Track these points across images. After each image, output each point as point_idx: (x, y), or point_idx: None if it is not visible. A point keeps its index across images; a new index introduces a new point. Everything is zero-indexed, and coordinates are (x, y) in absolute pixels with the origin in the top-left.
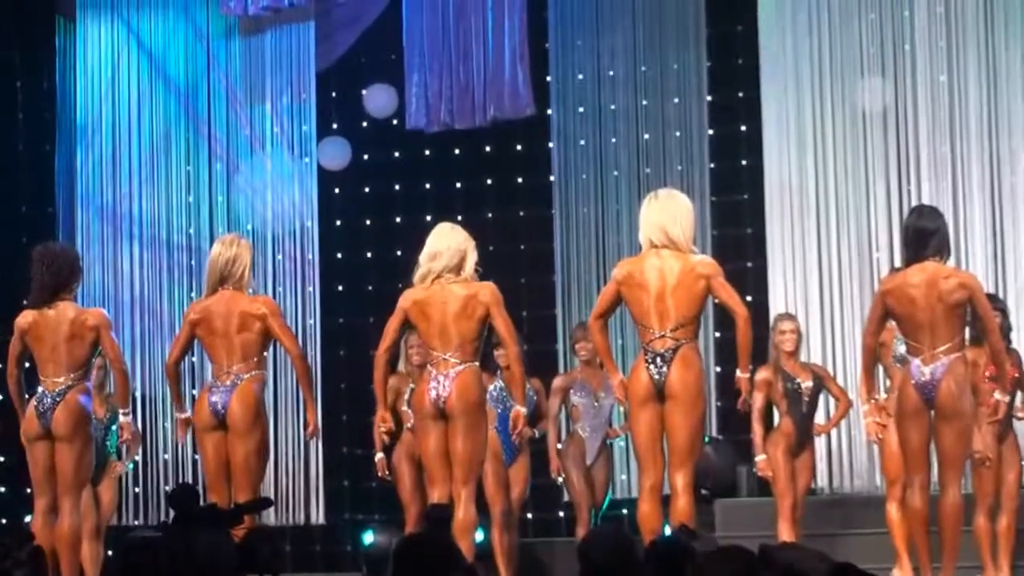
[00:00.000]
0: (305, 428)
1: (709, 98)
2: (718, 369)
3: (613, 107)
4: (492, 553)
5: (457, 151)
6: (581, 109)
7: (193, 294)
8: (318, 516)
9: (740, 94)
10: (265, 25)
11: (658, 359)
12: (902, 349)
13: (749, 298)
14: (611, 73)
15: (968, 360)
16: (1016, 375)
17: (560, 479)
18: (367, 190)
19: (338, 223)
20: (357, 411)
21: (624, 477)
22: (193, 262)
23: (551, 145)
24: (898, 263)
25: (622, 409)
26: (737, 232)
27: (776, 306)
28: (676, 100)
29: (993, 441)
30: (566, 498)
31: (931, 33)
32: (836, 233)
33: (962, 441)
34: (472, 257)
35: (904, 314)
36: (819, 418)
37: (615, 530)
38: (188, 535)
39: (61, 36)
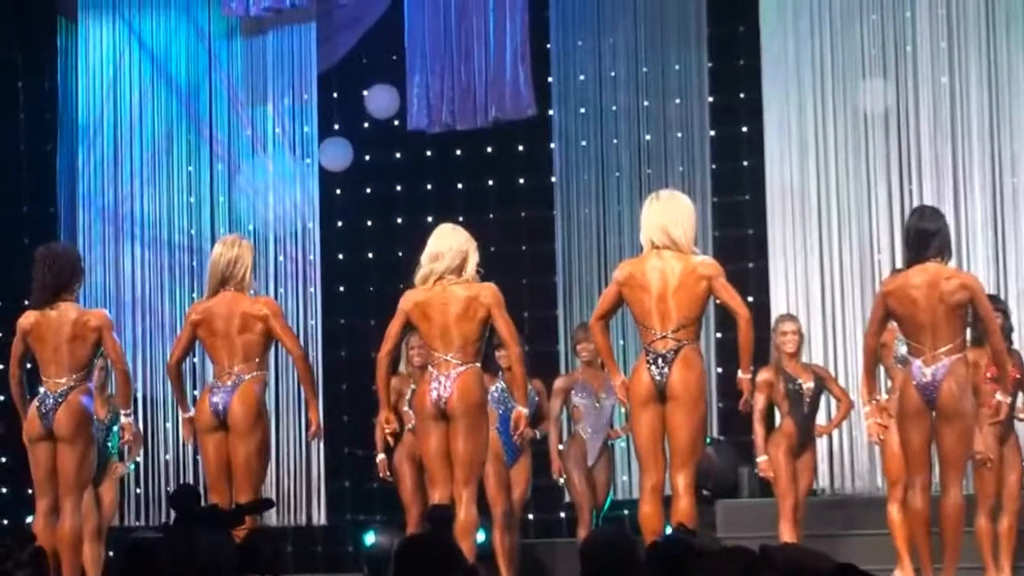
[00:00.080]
0: (307, 429)
1: (710, 99)
2: (719, 370)
3: (614, 108)
4: (493, 554)
5: (458, 152)
6: (582, 110)
7: (195, 295)
8: (319, 517)
9: (741, 95)
10: (267, 26)
11: (660, 360)
12: (903, 350)
13: (750, 299)
14: (612, 74)
15: (969, 361)
16: (1017, 376)
17: (561, 480)
18: (368, 191)
19: (339, 224)
20: (358, 412)
21: (625, 478)
22: (195, 263)
23: (552, 146)
24: (899, 264)
25: (623, 410)
26: (738, 233)
27: (777, 307)
28: (678, 101)
29: (994, 442)
30: (567, 499)
31: (933, 34)
32: (837, 234)
33: (963, 442)
34: (473, 258)
35: (905, 315)
36: (820, 419)
37: (616, 531)
38: (189, 536)
39: (63, 36)
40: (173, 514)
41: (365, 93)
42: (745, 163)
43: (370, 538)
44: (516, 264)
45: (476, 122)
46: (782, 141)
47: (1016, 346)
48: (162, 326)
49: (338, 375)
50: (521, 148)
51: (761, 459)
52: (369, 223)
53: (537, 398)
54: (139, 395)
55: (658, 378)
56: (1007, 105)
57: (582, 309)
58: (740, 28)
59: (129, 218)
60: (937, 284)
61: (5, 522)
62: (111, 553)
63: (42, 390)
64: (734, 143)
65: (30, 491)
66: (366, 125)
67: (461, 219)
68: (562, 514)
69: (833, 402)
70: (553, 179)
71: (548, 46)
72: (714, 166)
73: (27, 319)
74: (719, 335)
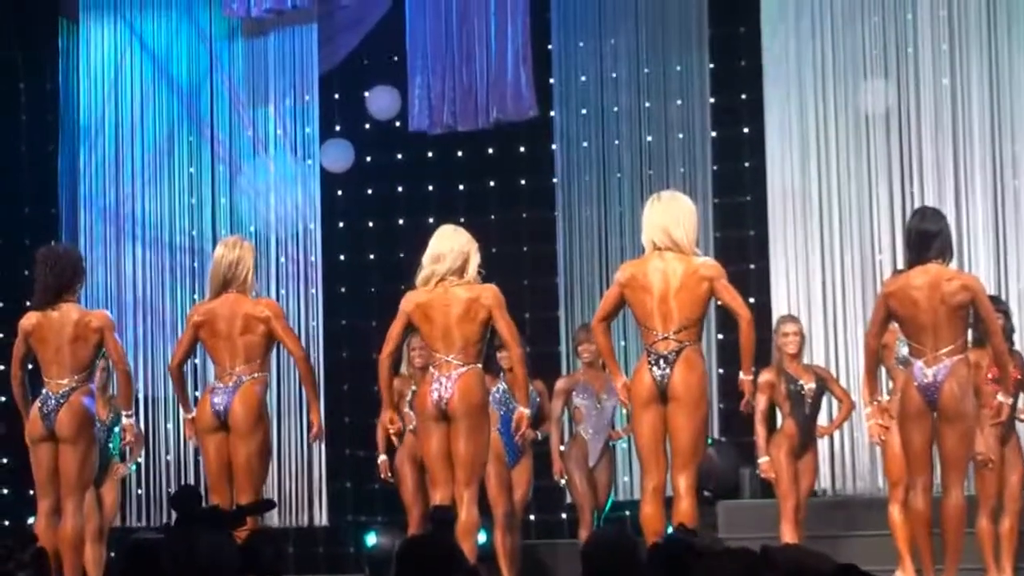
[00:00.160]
0: (309, 430)
1: (712, 100)
2: (721, 371)
3: (616, 109)
4: (494, 555)
5: (460, 153)
6: (584, 111)
7: (196, 296)
8: (321, 518)
9: (743, 96)
10: (268, 27)
11: (661, 361)
12: (905, 351)
13: (752, 300)
14: (614, 75)
15: (971, 362)
16: (1019, 377)
17: (563, 481)
18: (370, 192)
19: (341, 225)
20: (360, 413)
21: (627, 479)
22: (196, 264)
23: (554, 147)
24: (901, 265)
25: (624, 411)
26: (740, 234)
27: (779, 308)
28: (679, 102)
29: (996, 443)
30: (569, 500)
31: (934, 35)
32: (839, 235)
33: (964, 443)
34: (475, 259)
35: (907, 316)
36: (822, 420)
37: (618, 532)
38: (190, 537)
39: (64, 37)
40: (174, 515)
41: (366, 94)
42: (746, 164)
43: (371, 539)
44: (517, 265)
45: (477, 123)
46: (783, 142)
47: (1017, 347)
48: (163, 327)
49: (339, 376)
50: (522, 149)
51: (763, 460)
52: (370, 224)
53: (538, 399)
54: (140, 396)
55: (660, 379)
56: (1008, 106)
57: (583, 310)
58: (741, 29)
59: (130, 219)
60: (938, 285)
61: (7, 523)
62: (112, 554)
63: (44, 391)
64: (735, 144)
65: (32, 492)
66: (367, 126)
67: (462, 220)
68: (563, 515)
69: (834, 403)
70: (554, 180)
71: (549, 47)
72: (715, 167)
73: (29, 320)
74: (720, 336)
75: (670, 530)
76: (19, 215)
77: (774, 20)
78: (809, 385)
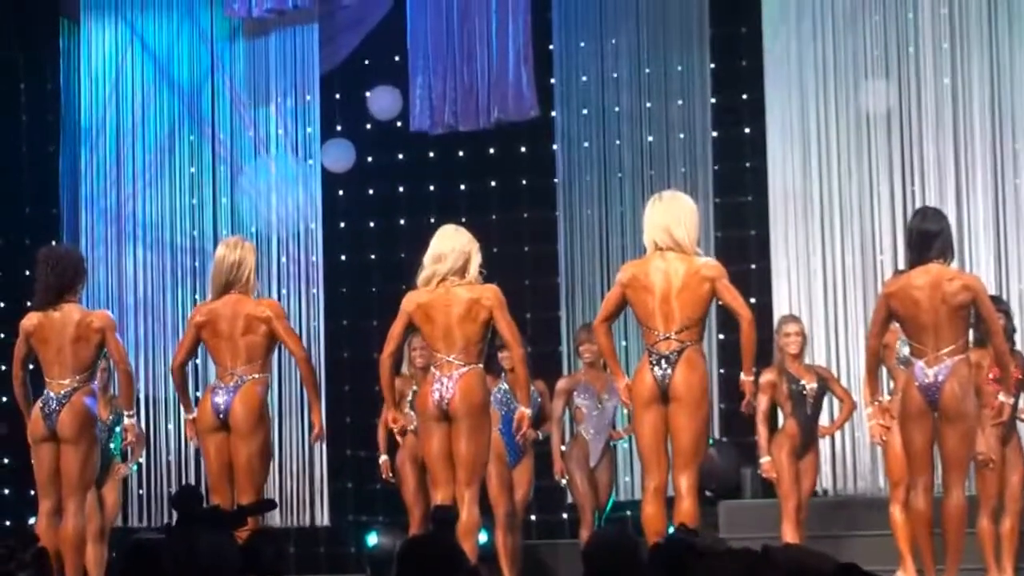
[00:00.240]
0: (311, 430)
1: (713, 100)
2: (722, 371)
3: (617, 109)
4: (496, 555)
5: (461, 153)
6: (585, 111)
7: (197, 296)
8: (322, 518)
9: (744, 96)
10: (269, 27)
11: (663, 361)
12: (906, 351)
13: (753, 300)
14: (615, 75)
15: (972, 362)
16: (1020, 377)
17: (564, 481)
18: (371, 192)
19: (342, 225)
20: (361, 413)
21: (628, 479)
22: (197, 264)
23: (555, 147)
24: (902, 265)
25: (626, 411)
26: (741, 234)
27: (780, 308)
28: (680, 102)
29: (997, 443)
30: (570, 500)
31: (935, 35)
32: (840, 235)
33: (966, 443)
34: (476, 259)
35: (908, 316)
36: (823, 420)
37: (619, 532)
38: (191, 537)
39: (65, 37)
40: (175, 515)
41: (367, 94)
42: (747, 164)
43: (372, 539)
44: (518, 265)
45: (478, 123)
46: (784, 142)
47: (1018, 347)
48: (164, 327)
49: (341, 376)
50: (524, 149)
51: (764, 460)
52: (371, 224)
53: (540, 399)
54: (141, 396)
55: (661, 379)
56: (1009, 106)
57: (584, 310)
58: (742, 29)
59: (131, 219)
60: (939, 285)
61: (8, 523)
62: (114, 554)
63: (45, 391)
64: (736, 144)
65: (33, 492)
66: (368, 126)
67: (463, 220)
68: (564, 515)
69: (836, 403)
70: (555, 180)
71: (551, 47)
72: (716, 167)
73: (30, 320)
74: (721, 336)
75: (671, 530)
76: (20, 215)
77: (775, 20)
78: (811, 385)
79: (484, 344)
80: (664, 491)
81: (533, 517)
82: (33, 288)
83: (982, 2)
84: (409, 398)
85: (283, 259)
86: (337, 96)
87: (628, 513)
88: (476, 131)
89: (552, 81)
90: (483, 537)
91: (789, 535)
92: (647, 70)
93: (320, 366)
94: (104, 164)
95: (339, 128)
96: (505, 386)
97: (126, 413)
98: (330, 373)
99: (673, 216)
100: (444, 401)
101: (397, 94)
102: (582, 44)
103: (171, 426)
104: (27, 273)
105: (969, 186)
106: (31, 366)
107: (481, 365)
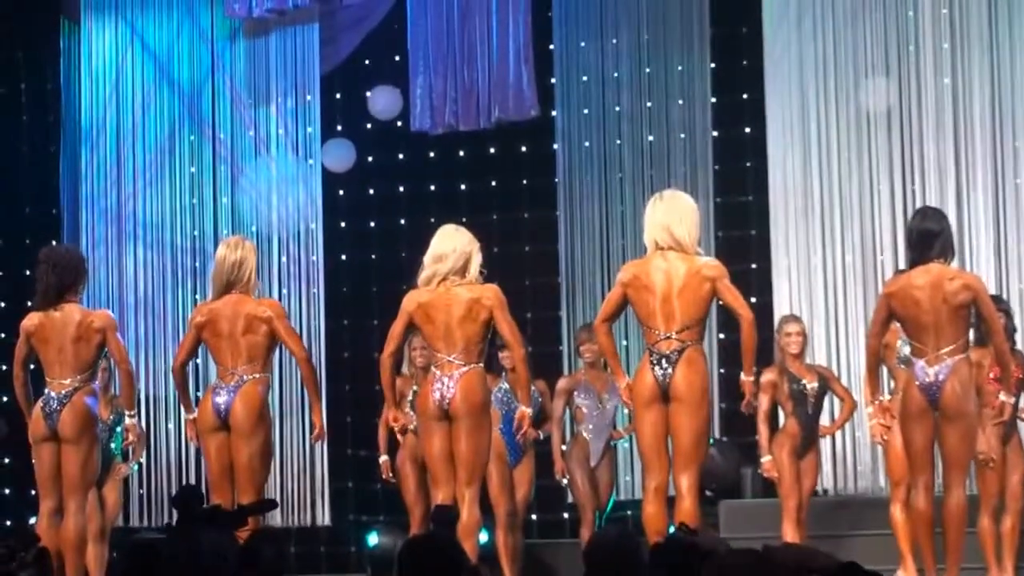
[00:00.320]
0: (311, 430)
1: (713, 100)
2: (722, 371)
3: (617, 109)
4: (496, 554)
5: (461, 153)
6: (585, 111)
7: (197, 296)
8: (323, 517)
9: (744, 96)
10: (270, 27)
11: (663, 361)
12: (906, 350)
13: (753, 300)
14: (615, 75)
15: (972, 361)
16: (1020, 376)
17: (564, 481)
18: (371, 192)
19: (342, 225)
20: (361, 413)
21: (628, 478)
22: (197, 264)
23: (555, 147)
24: (902, 265)
25: (626, 411)
26: (741, 234)
27: (781, 308)
28: (680, 102)
29: (997, 442)
30: (570, 499)
31: (935, 34)
32: (840, 235)
33: (966, 442)
34: (477, 259)
35: (908, 316)
36: (824, 419)
37: (620, 532)
38: (192, 536)
39: (65, 37)
40: (176, 515)
41: (368, 94)
42: (748, 164)
43: (373, 539)
44: (519, 265)
45: (479, 123)
46: (785, 142)
47: (1019, 346)
48: (164, 327)
49: (341, 376)
50: (524, 149)
51: (765, 459)
52: (372, 224)
53: (540, 399)
54: (142, 396)
55: (662, 379)
56: (1010, 105)
57: (585, 310)
58: (743, 29)
59: (132, 219)
60: (940, 285)
61: (9, 523)
62: (115, 554)
63: (46, 391)
64: (737, 144)
65: (34, 492)
66: (369, 126)
67: (464, 220)
68: (565, 515)
69: (837, 402)
70: (556, 180)
71: (551, 47)
72: (717, 167)
73: (31, 320)
74: (722, 336)
75: (672, 530)
76: (20, 215)
77: (775, 20)
78: (811, 385)
79: (485, 344)
80: (665, 491)
81: (534, 517)
82: (34, 288)
83: (982, 2)
84: (409, 398)
85: (284, 259)
86: (337, 96)
87: (629, 513)
88: (476, 131)
89: (552, 81)
90: (484, 537)
91: (790, 534)
92: (647, 70)
93: (321, 366)
94: (104, 164)
95: (339, 128)
96: (506, 385)
97: (127, 413)
98: (331, 373)
99: (674, 215)
100: (445, 401)
101: (397, 94)
102: (582, 44)
103: (172, 426)
104: (27, 273)
105: (969, 185)
106: (32, 366)
107: (482, 365)
